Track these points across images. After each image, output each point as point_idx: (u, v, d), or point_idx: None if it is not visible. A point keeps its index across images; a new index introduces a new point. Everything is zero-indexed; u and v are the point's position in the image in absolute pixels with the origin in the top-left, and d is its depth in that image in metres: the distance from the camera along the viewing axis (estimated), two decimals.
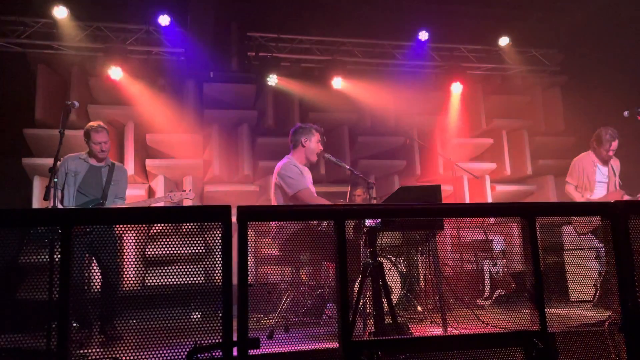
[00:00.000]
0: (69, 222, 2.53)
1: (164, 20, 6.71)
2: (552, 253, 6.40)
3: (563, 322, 3.13)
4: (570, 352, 2.86)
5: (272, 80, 7.18)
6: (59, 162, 4.39)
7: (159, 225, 2.93)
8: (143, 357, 2.47)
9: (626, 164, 5.64)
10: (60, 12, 6.44)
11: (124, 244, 5.21)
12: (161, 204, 5.18)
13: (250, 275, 2.52)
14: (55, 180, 4.13)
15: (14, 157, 6.49)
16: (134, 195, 6.25)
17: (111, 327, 3.74)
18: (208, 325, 2.48)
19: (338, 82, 7.36)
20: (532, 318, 2.82)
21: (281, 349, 2.74)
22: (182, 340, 2.51)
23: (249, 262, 2.51)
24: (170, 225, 2.82)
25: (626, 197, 5.26)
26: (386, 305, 3.23)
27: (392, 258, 5.21)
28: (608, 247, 3.01)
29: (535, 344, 2.76)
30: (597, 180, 5.45)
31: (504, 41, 7.77)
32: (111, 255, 4.31)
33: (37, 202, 6.27)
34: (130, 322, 2.58)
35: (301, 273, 5.13)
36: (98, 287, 4.24)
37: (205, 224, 2.65)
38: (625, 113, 5.25)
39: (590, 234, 5.30)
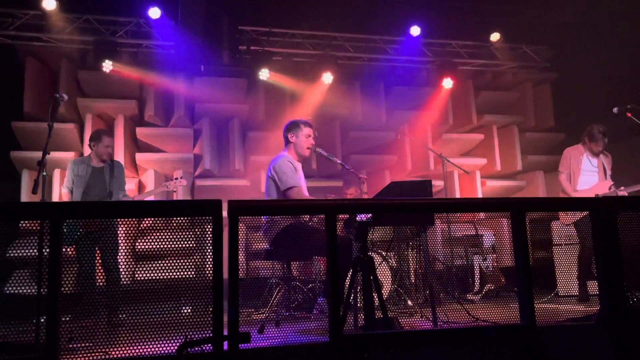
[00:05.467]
0: (58, 216, 2.51)
1: (155, 13, 6.63)
2: (541, 248, 6.47)
3: (551, 317, 3.16)
4: (559, 346, 2.89)
5: (264, 74, 7.15)
6: (68, 166, 5.00)
7: (148, 219, 2.92)
8: (133, 351, 2.46)
9: (615, 159, 5.69)
10: (49, 4, 6.34)
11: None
12: (158, 193, 5.52)
13: (241, 269, 2.51)
14: (44, 174, 4.10)
15: (2, 151, 6.44)
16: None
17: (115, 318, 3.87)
18: (198, 319, 2.47)
19: (328, 77, 7.34)
20: (521, 312, 2.85)
21: (272, 343, 2.74)
22: (172, 334, 2.51)
23: (239, 257, 2.51)
24: (160, 219, 2.80)
25: (613, 189, 5.36)
26: (377, 299, 3.24)
27: (383, 253, 5.24)
28: (595, 241, 3.04)
29: (524, 338, 2.78)
30: (584, 169, 5.56)
31: (495, 37, 7.79)
32: (112, 253, 4.58)
33: (25, 196, 6.22)
34: (120, 316, 2.57)
35: (292, 267, 5.14)
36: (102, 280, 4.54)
37: (196, 218, 2.64)
38: (615, 110, 5.31)
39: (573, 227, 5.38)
